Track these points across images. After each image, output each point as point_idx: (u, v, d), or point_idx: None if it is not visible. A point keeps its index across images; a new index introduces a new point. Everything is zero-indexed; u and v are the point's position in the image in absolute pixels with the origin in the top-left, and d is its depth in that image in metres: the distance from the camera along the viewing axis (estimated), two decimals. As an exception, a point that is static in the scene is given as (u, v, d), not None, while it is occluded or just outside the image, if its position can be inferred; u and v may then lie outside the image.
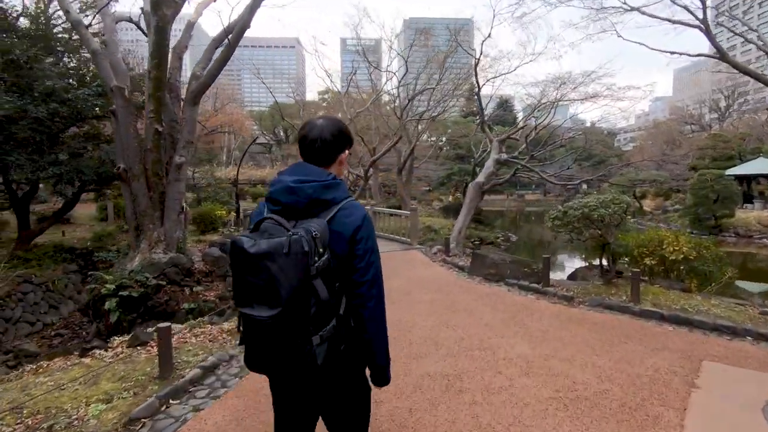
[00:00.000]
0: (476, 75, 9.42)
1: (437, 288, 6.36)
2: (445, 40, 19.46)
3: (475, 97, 11.46)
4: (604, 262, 6.33)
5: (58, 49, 12.12)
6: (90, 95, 10.58)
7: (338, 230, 1.38)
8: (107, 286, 7.63)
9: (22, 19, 11.78)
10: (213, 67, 8.89)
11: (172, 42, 9.25)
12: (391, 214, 10.45)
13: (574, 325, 4.45)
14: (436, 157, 42.58)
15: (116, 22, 10.27)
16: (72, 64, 12.54)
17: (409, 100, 16.57)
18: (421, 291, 6.15)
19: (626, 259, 6.40)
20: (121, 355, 3.62)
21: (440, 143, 50.96)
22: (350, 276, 1.42)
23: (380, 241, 10.52)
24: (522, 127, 12.65)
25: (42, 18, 12.46)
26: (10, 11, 11.48)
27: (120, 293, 7.59)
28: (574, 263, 11.96)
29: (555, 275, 6.82)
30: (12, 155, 9.77)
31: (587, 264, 7.17)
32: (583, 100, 12.08)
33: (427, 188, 39.29)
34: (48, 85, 10.29)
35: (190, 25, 10.31)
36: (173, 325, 4.91)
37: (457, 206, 14.45)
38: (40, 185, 12.12)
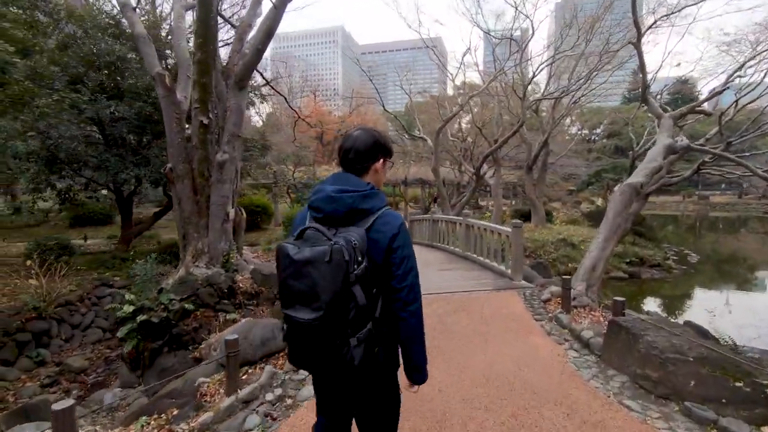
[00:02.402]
0: (634, 10, 5.64)
1: (513, 412, 2.90)
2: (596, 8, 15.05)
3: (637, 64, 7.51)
4: None
5: (166, 52, 12.13)
6: (170, 92, 10.10)
7: (376, 238, 1.42)
8: (125, 308, 6.43)
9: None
10: (258, 41, 7.21)
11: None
12: (485, 229, 7.04)
13: None
14: (588, 151, 35.81)
15: (186, 10, 9.40)
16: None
17: (534, 74, 12.82)
18: (471, 420, 2.80)
19: None
20: None
21: (593, 136, 43.52)
22: (389, 282, 1.46)
23: (467, 267, 6.59)
24: (713, 96, 8.01)
25: (150, 18, 12.61)
26: (118, 15, 11.73)
27: (138, 317, 6.37)
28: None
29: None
30: (97, 156, 9.72)
31: None
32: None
33: (573, 188, 33.49)
34: (131, 83, 10.04)
35: (257, 2, 8.86)
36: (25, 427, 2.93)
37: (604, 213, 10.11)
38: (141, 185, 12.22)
